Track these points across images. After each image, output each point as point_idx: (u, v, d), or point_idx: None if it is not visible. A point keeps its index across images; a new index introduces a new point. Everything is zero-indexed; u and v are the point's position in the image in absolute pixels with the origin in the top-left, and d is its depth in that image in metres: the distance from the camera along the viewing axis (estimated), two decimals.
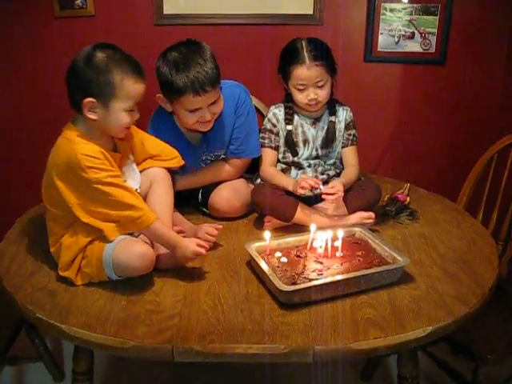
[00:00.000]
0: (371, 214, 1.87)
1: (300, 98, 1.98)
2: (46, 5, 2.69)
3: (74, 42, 2.75)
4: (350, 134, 2.07)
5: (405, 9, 2.72)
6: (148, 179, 1.76)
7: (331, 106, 2.06)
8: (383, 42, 2.77)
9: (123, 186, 1.55)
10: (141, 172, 1.77)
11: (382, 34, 2.76)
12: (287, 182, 1.95)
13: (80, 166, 1.47)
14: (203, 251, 1.57)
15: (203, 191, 2.05)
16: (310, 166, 2.05)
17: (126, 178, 1.68)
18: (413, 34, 2.75)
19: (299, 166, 2.06)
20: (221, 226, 1.77)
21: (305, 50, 1.93)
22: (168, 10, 2.71)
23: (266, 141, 2.05)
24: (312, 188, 1.85)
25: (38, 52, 2.78)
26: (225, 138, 2.00)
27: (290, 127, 2.04)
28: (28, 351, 2.23)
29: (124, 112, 1.56)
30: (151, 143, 1.82)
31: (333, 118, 2.06)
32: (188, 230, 1.79)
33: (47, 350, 2.25)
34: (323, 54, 1.94)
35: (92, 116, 1.53)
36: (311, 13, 2.73)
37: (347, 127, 2.07)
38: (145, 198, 1.72)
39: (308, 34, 2.70)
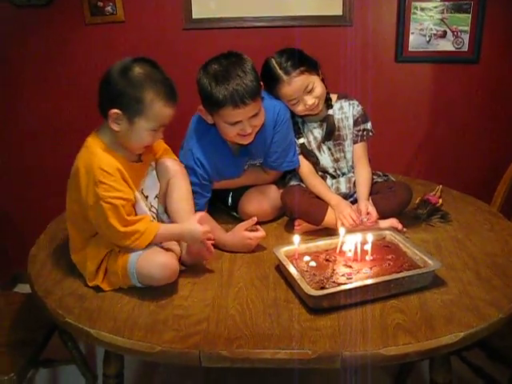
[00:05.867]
0: (401, 227, 1.85)
1: (299, 110, 1.97)
2: (77, 12, 2.72)
3: (105, 47, 2.79)
4: (359, 130, 2.04)
5: (436, 7, 2.67)
6: (165, 177, 1.75)
7: (326, 99, 2.02)
8: (414, 41, 2.73)
9: (122, 214, 1.50)
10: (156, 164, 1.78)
11: (412, 33, 2.71)
12: (330, 197, 1.93)
13: (94, 180, 1.47)
14: (207, 227, 1.61)
15: (233, 195, 2.05)
16: (336, 172, 2.05)
17: (146, 186, 1.68)
18: (444, 32, 2.70)
19: (329, 174, 2.05)
20: (255, 219, 1.78)
21: (277, 68, 1.91)
22: (197, 14, 2.71)
23: (299, 150, 2.04)
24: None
25: (70, 58, 2.81)
26: (264, 148, 1.99)
27: (301, 140, 2.03)
28: (61, 353, 2.26)
29: (147, 131, 1.55)
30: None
31: (330, 112, 2.03)
32: (229, 240, 1.80)
33: (80, 352, 2.27)
34: (297, 61, 1.90)
35: (115, 127, 1.53)
36: (340, 14, 2.70)
37: (356, 123, 2.03)
38: (164, 195, 1.75)
39: (338, 36, 2.71)
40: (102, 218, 1.49)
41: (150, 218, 1.63)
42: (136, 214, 1.58)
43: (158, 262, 1.51)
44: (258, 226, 1.80)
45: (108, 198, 1.48)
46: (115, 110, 1.50)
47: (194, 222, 1.60)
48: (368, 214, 1.84)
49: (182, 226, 1.65)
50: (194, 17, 2.72)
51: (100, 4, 2.70)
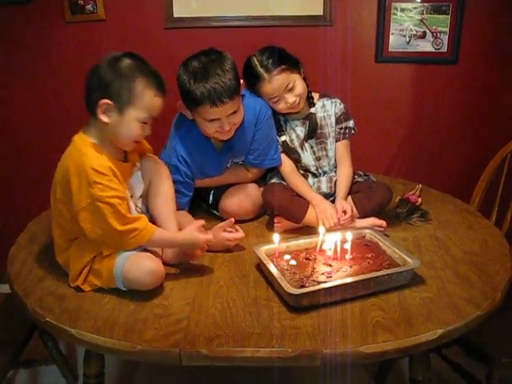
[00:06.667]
0: (383, 223, 1.86)
1: (280, 108, 1.98)
2: (58, 10, 2.70)
3: (86, 46, 2.77)
4: (341, 128, 2.05)
5: (416, 8, 2.69)
6: (147, 176, 1.74)
7: (308, 97, 2.03)
8: (394, 42, 2.75)
9: (122, 213, 1.48)
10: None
11: (392, 34, 2.74)
12: (312, 196, 1.94)
13: (87, 180, 1.44)
14: (210, 236, 1.63)
15: (214, 193, 2.05)
16: (318, 170, 2.05)
17: (131, 187, 1.66)
18: (424, 33, 2.73)
19: (311, 173, 2.06)
20: (233, 219, 1.77)
21: (258, 66, 1.91)
22: (178, 13, 2.71)
23: (281, 148, 2.05)
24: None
25: (50, 56, 2.79)
26: (246, 145, 2.00)
27: (283, 138, 2.04)
28: (41, 354, 2.24)
29: (137, 122, 1.54)
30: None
31: (313, 110, 2.03)
32: None
33: (60, 352, 2.26)
34: (278, 60, 1.90)
35: (105, 119, 1.50)
36: (321, 14, 2.71)
37: (338, 121, 2.04)
38: (146, 194, 1.73)
39: (318, 35, 2.72)
40: (100, 219, 1.46)
41: (147, 218, 1.59)
42: None
43: (145, 268, 1.49)
44: (237, 227, 1.79)
45: (105, 198, 1.45)
46: (105, 101, 1.49)
47: (195, 233, 1.60)
48: (344, 212, 1.85)
49: (183, 236, 1.62)
50: (175, 15, 2.72)
51: (80, 2, 2.68)
